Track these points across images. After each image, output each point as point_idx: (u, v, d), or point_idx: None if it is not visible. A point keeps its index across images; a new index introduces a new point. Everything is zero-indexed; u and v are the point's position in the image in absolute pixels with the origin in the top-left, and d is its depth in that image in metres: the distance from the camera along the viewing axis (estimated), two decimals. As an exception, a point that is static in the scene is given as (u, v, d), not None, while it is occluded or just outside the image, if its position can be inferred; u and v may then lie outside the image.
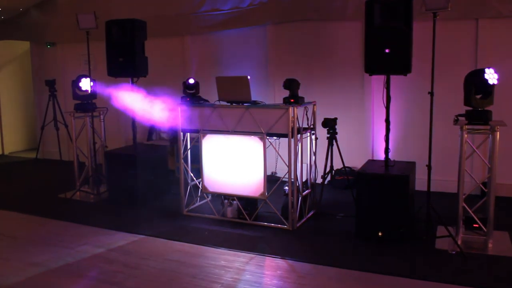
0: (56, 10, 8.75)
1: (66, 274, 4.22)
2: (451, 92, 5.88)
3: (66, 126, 6.80)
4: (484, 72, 4.44)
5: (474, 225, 4.71)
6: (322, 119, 5.48)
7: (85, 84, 6.48)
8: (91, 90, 6.44)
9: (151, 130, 8.19)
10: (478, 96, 4.52)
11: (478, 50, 6.03)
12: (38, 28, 8.99)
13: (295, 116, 5.05)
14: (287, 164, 5.12)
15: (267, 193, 5.26)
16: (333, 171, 5.60)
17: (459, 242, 4.54)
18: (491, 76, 4.43)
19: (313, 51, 7.01)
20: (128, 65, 5.93)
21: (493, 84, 4.45)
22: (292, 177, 5.13)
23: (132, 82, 6.13)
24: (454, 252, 4.44)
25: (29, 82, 9.76)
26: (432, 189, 4.91)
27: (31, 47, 9.54)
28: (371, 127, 6.72)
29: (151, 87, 7.54)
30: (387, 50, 4.52)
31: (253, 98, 5.26)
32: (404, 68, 4.57)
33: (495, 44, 6.00)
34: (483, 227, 4.63)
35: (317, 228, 5.18)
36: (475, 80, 4.49)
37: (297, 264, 4.31)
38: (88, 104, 6.53)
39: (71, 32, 8.49)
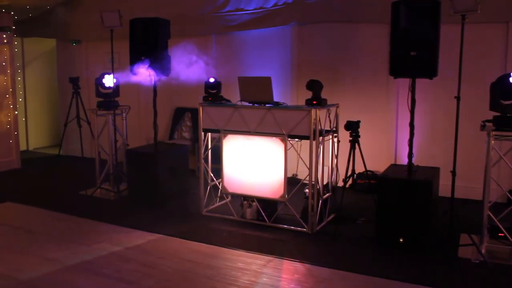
0: (82, 8, 8.84)
1: (82, 271, 4.23)
2: (478, 97, 5.72)
3: (89, 124, 6.84)
4: (509, 76, 4.30)
5: (500, 234, 4.58)
6: (345, 122, 5.39)
7: (109, 80, 6.51)
8: (113, 88, 6.47)
9: (173, 129, 8.20)
10: (507, 102, 4.37)
11: (508, 54, 5.86)
12: (64, 26, 9.08)
13: (317, 118, 4.97)
14: (308, 166, 5.05)
15: (287, 195, 5.19)
16: (355, 175, 5.50)
17: (483, 251, 4.41)
18: None
19: (337, 53, 6.91)
20: (151, 63, 5.92)
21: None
22: (313, 179, 5.05)
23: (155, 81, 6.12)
24: (477, 261, 4.32)
25: (55, 79, 9.87)
26: (456, 196, 4.80)
27: (57, 45, 9.65)
28: (395, 131, 6.60)
29: (178, 85, 7.57)
30: (412, 53, 4.41)
31: (275, 99, 5.21)
32: (430, 71, 4.46)
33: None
34: (508, 236, 4.49)
35: (337, 232, 5.09)
36: (501, 84, 4.36)
37: (315, 268, 4.24)
38: (110, 102, 6.55)
39: (96, 30, 8.55)
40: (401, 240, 4.60)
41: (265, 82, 5.14)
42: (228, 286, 3.90)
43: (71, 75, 7.89)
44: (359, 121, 5.30)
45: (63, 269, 4.26)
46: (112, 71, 6.48)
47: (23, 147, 9.38)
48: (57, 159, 7.29)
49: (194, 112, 8.01)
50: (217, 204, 5.94)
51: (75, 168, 8.12)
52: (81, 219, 5.63)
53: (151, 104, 6.35)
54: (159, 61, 5.94)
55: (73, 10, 8.98)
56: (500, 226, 4.51)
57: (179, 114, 8.23)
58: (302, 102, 5.40)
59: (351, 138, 5.27)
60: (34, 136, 10.21)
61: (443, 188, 5.16)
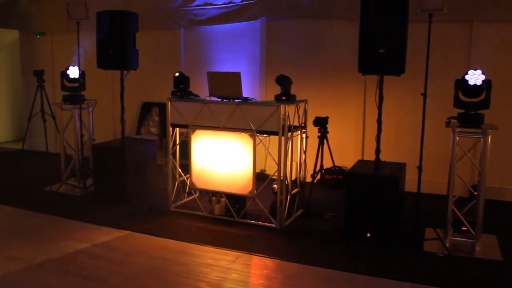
0: (47, -1, 8.63)
1: (49, 270, 4.13)
2: (443, 94, 5.85)
3: (54, 118, 6.68)
4: (466, 73, 4.42)
5: (463, 228, 4.70)
6: (314, 118, 5.42)
7: (73, 72, 6.36)
8: (79, 81, 6.33)
9: (140, 124, 8.10)
10: (468, 99, 4.48)
11: (472, 52, 6.00)
12: (27, 17, 8.85)
13: (286, 114, 4.99)
14: (277, 162, 5.07)
15: (256, 191, 5.20)
16: (323, 170, 5.55)
17: (447, 245, 4.52)
18: (473, 77, 4.41)
19: (307, 49, 6.95)
20: (118, 57, 5.82)
21: (474, 85, 4.41)
22: (282, 175, 5.07)
23: (122, 75, 6.02)
24: (442, 255, 4.42)
25: (18, 72, 9.61)
26: (422, 191, 4.89)
27: (20, 36, 9.39)
28: (362, 127, 6.68)
29: (142, 80, 7.48)
30: (381, 50, 4.46)
31: (244, 95, 5.20)
32: (398, 68, 4.52)
33: (489, 47, 5.98)
34: (471, 230, 4.62)
35: (305, 227, 5.13)
36: (460, 81, 4.47)
37: (284, 263, 4.26)
38: (76, 96, 6.42)
39: (61, 22, 8.37)
40: (368, 234, 4.67)
41: (234, 78, 5.13)
42: (197, 282, 3.88)
43: (36, 68, 7.69)
44: (327, 117, 5.34)
45: (28, 267, 4.16)
46: (78, 64, 6.34)
47: (-16, 141, 9.13)
48: (20, 154, 7.10)
49: (162, 107, 7.94)
50: (185, 200, 5.90)
51: (40, 164, 7.94)
52: (46, 216, 5.51)
53: (118, 98, 6.24)
54: (127, 55, 5.84)
55: (38, 1, 8.75)
56: (464, 220, 4.64)
57: (146, 108, 8.13)
58: (271, 98, 5.41)
59: (319, 134, 5.31)
60: (-3, 130, 9.96)
61: (409, 183, 5.26)
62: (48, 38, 9.03)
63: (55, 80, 8.65)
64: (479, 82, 4.40)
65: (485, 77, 4.39)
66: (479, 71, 4.42)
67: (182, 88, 5.67)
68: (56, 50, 8.97)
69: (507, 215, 5.61)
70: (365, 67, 4.69)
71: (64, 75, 6.43)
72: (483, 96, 4.49)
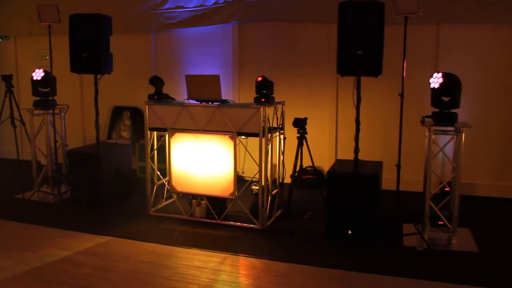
0: (9, 0, 8.37)
1: (33, 279, 4.04)
2: (415, 94, 6.06)
3: (24, 124, 6.51)
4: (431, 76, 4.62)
5: (439, 222, 4.88)
6: (292, 119, 5.50)
7: (37, 74, 6.19)
8: (44, 82, 6.19)
9: (111, 129, 7.99)
10: (446, 99, 4.67)
11: (439, 54, 6.23)
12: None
13: (266, 116, 5.06)
14: (258, 163, 5.12)
15: (237, 193, 5.24)
16: (300, 171, 5.64)
17: (426, 239, 4.69)
18: (434, 80, 4.61)
19: (280, 51, 7.03)
20: (92, 61, 5.75)
21: (433, 88, 4.61)
22: (263, 176, 5.13)
23: (96, 79, 5.94)
24: (421, 249, 4.58)
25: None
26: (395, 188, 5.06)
27: (-20, 40, 9.10)
28: (335, 128, 6.81)
29: (112, 83, 7.38)
30: (359, 52, 4.58)
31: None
32: (375, 69, 4.65)
33: (455, 48, 6.22)
34: (448, 224, 4.80)
35: (287, 227, 5.20)
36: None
37: (271, 263, 4.32)
38: (48, 101, 6.28)
39: (26, 25, 8.18)
40: (349, 232, 4.78)
41: (214, 80, 5.15)
42: (188, 285, 3.89)
43: (2, 73, 7.48)
44: (306, 118, 5.44)
45: (12, 278, 4.05)
46: (50, 69, 6.21)
47: None
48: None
49: (133, 111, 7.87)
50: (164, 203, 5.87)
51: (10, 171, 7.71)
52: (22, 224, 5.37)
53: (89, 103, 6.15)
54: (101, 58, 5.77)
55: (-1, 3, 8.51)
56: (441, 215, 4.82)
57: (117, 113, 8.03)
58: (244, 100, 5.45)
59: (298, 135, 5.40)
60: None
61: (385, 181, 5.42)
62: (11, 41, 8.78)
63: (20, 85, 8.41)
64: (437, 86, 4.59)
65: (447, 79, 4.56)
66: (439, 74, 4.60)
67: (158, 91, 5.65)
68: (20, 54, 8.73)
69: (478, 209, 5.84)
70: (343, 69, 4.80)
71: (32, 80, 6.27)
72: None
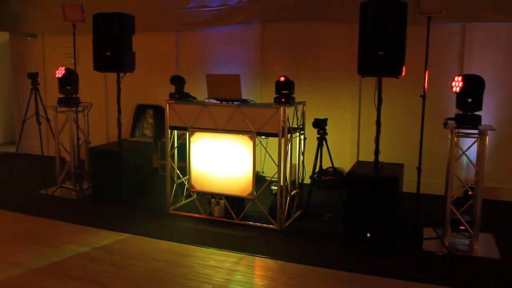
0: (37, 0, 8.54)
1: (50, 274, 4.10)
2: (439, 96, 5.95)
3: (48, 121, 6.63)
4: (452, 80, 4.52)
5: (461, 227, 4.77)
6: (312, 120, 5.46)
7: (59, 71, 6.28)
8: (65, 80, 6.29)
9: (134, 127, 8.07)
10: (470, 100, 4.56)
11: (465, 54, 6.09)
12: (17, 19, 8.76)
13: (286, 116, 5.02)
14: (277, 163, 5.09)
15: (255, 193, 5.22)
16: (321, 172, 5.59)
17: (446, 244, 4.59)
18: (455, 84, 4.50)
19: (302, 51, 6.99)
20: (114, 59, 5.81)
21: (455, 92, 4.51)
22: (282, 176, 5.10)
23: (118, 77, 6.00)
24: (441, 254, 4.48)
25: (8, 75, 9.51)
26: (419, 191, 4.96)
27: (10, 39, 9.29)
28: (358, 129, 6.73)
29: (136, 82, 7.46)
30: (381, 53, 4.51)
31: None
32: (396, 70, 4.57)
33: (482, 48, 6.07)
34: (469, 229, 4.69)
35: (305, 228, 5.16)
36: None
37: (287, 264, 4.29)
38: (72, 98, 6.38)
39: (53, 23, 8.32)
40: (368, 235, 4.71)
41: (234, 80, 5.14)
42: (202, 284, 3.89)
43: (27, 71, 7.63)
44: (326, 119, 5.39)
45: (29, 272, 4.12)
46: (74, 67, 6.31)
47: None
48: (14, 158, 7.02)
49: (156, 109, 7.93)
50: (183, 202, 5.90)
51: (34, 167, 7.86)
52: (44, 220, 5.46)
53: (112, 101, 6.22)
54: (123, 57, 5.82)
55: (28, 2, 8.68)
56: (462, 220, 4.70)
57: (140, 111, 8.11)
58: (266, 100, 5.43)
59: (318, 136, 5.35)
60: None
61: (406, 184, 5.33)
62: (39, 40, 8.96)
63: (46, 83, 8.59)
64: (458, 90, 4.49)
65: (467, 82, 4.45)
66: (459, 78, 4.49)
67: (179, 90, 5.69)
68: (48, 52, 8.90)
69: (503, 214, 5.69)
70: (364, 69, 4.73)
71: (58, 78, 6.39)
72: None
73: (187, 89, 5.92)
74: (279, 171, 5.10)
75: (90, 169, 6.27)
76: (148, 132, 7.98)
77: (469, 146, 4.82)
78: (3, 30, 9.20)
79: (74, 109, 6.34)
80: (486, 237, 4.87)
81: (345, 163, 6.61)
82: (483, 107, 4.50)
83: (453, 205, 4.69)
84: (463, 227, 4.74)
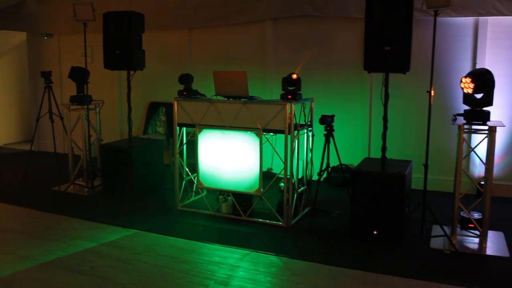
0: (53, 0, 8.68)
1: (57, 268, 4.17)
2: (449, 91, 5.86)
3: (61, 119, 6.73)
4: (460, 81, 4.44)
5: (470, 225, 4.69)
6: (320, 116, 5.43)
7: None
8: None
9: (147, 124, 8.14)
10: (479, 96, 4.48)
11: (478, 49, 5.98)
12: (35, 19, 8.91)
13: (292, 113, 5.00)
14: (283, 160, 5.08)
15: (263, 190, 5.22)
16: (329, 169, 5.55)
17: (454, 242, 4.52)
18: (465, 85, 4.42)
19: (311, 48, 6.95)
20: (124, 58, 5.87)
21: (467, 93, 4.43)
22: (288, 173, 5.09)
23: (129, 75, 6.06)
24: (448, 252, 4.42)
25: (26, 74, 9.69)
26: (428, 188, 4.89)
27: (27, 38, 9.46)
28: (369, 125, 6.67)
29: (149, 80, 7.52)
30: (387, 48, 4.46)
31: (250, 94, 5.22)
32: (403, 66, 4.51)
33: (494, 42, 5.96)
34: (478, 227, 4.61)
35: (312, 225, 5.14)
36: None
37: (291, 261, 4.28)
38: (84, 96, 6.46)
39: (68, 23, 8.46)
40: (375, 232, 4.67)
41: (241, 76, 5.14)
42: (205, 280, 3.91)
43: (43, 69, 7.75)
44: (333, 115, 5.35)
45: (37, 266, 4.20)
46: (85, 65, 6.38)
47: (-7, 142, 9.22)
48: (29, 155, 7.15)
49: (168, 107, 7.98)
50: (192, 199, 5.93)
51: (48, 164, 8.00)
52: (55, 216, 5.55)
53: (125, 99, 6.28)
54: (133, 55, 5.88)
55: (44, 3, 8.82)
56: (471, 217, 4.63)
57: (153, 108, 8.17)
58: (277, 97, 5.42)
59: (325, 132, 5.32)
60: (5, 131, 10.03)
61: (416, 180, 5.27)
62: (55, 39, 9.10)
63: (62, 81, 8.73)
64: (470, 91, 4.41)
65: (476, 81, 4.37)
66: (468, 79, 4.41)
67: (187, 87, 5.72)
68: (63, 51, 9.04)
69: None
70: (370, 65, 4.69)
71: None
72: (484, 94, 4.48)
73: (200, 86, 5.95)
74: (286, 168, 5.08)
75: (101, 166, 6.34)
76: (160, 129, 8.03)
77: (479, 142, 4.74)
78: (21, 30, 9.35)
79: (86, 107, 6.41)
80: (497, 235, 4.79)
81: (356, 160, 6.55)
82: (499, 103, 4.40)
83: (464, 202, 4.62)
84: (472, 225, 4.67)
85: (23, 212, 5.75)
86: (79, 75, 6.40)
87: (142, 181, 6.11)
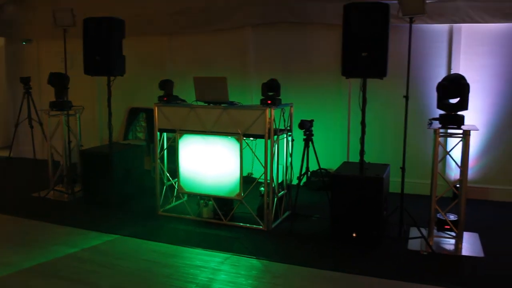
0: (32, 6, 8.63)
1: (38, 274, 4.15)
2: (425, 96, 6.00)
3: (41, 124, 6.69)
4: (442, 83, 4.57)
5: (446, 227, 4.81)
6: (299, 121, 5.51)
7: None
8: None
9: (127, 130, 8.13)
10: (453, 100, 4.60)
11: (452, 55, 6.14)
12: (13, 24, 8.84)
13: (272, 118, 5.07)
14: (263, 165, 5.15)
15: (243, 194, 5.27)
16: (309, 173, 5.64)
17: (431, 243, 4.63)
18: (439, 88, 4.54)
19: (290, 54, 7.05)
20: (104, 63, 5.88)
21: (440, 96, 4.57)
22: (268, 178, 5.15)
23: (109, 81, 6.07)
24: (426, 253, 4.53)
25: (4, 79, 9.59)
26: (405, 191, 5.00)
27: (5, 44, 9.37)
28: (347, 130, 6.78)
29: (129, 85, 7.52)
30: (364, 54, 4.56)
31: (230, 99, 5.27)
32: (380, 71, 4.62)
33: (468, 49, 6.12)
34: (454, 228, 4.73)
35: (292, 229, 5.20)
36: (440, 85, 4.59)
37: (271, 264, 4.33)
38: (64, 102, 6.44)
39: (48, 28, 8.38)
40: (354, 234, 4.76)
41: (221, 82, 5.20)
42: (187, 284, 3.94)
43: (21, 75, 7.71)
44: (312, 120, 5.44)
45: (18, 272, 4.18)
46: (65, 70, 6.37)
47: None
48: (8, 161, 7.09)
49: (149, 112, 7.98)
50: (173, 204, 5.95)
51: (27, 170, 7.94)
52: (35, 222, 5.52)
53: (105, 104, 6.28)
54: (113, 61, 5.89)
55: (23, 8, 8.76)
56: (447, 219, 4.75)
57: (133, 114, 8.17)
58: (257, 102, 5.49)
59: (305, 137, 5.40)
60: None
61: (393, 184, 5.37)
62: (34, 44, 9.04)
63: (41, 87, 8.66)
64: (454, 101, 4.55)
65: (451, 85, 4.49)
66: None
67: (167, 93, 5.75)
68: (42, 57, 8.98)
69: (491, 214, 5.73)
70: (348, 71, 4.78)
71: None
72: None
73: (180, 92, 5.98)
74: (266, 172, 5.15)
75: (82, 171, 6.32)
76: (141, 135, 8.04)
77: (454, 146, 4.87)
78: (-1, 36, 9.29)
79: (66, 112, 6.39)
80: (472, 236, 4.91)
81: (335, 164, 6.65)
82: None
83: (440, 205, 4.73)
84: (448, 226, 4.79)
85: (2, 219, 5.70)
86: (59, 80, 6.38)
87: (122, 186, 6.11)
